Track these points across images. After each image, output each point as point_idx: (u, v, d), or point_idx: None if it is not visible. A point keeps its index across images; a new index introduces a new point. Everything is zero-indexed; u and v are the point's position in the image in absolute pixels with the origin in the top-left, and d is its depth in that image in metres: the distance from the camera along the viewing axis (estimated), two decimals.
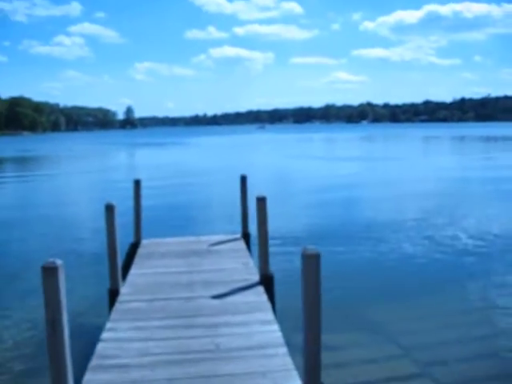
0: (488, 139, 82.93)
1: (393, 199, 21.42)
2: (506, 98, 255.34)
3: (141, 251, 9.51)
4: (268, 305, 6.51)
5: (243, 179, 10.40)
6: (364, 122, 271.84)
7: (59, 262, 4.11)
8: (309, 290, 4.22)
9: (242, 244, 9.84)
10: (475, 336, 7.54)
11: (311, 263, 4.21)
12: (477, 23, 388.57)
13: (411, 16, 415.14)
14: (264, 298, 6.78)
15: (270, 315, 6.12)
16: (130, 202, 10.02)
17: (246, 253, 9.21)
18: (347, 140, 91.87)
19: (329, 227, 15.55)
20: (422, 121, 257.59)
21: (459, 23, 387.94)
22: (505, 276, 10.52)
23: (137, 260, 8.91)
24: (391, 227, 15.24)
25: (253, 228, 10.21)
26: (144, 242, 10.12)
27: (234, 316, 6.09)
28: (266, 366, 4.82)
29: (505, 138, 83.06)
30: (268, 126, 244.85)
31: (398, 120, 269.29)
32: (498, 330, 7.78)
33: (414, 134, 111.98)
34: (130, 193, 10.05)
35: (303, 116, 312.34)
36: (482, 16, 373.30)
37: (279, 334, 5.55)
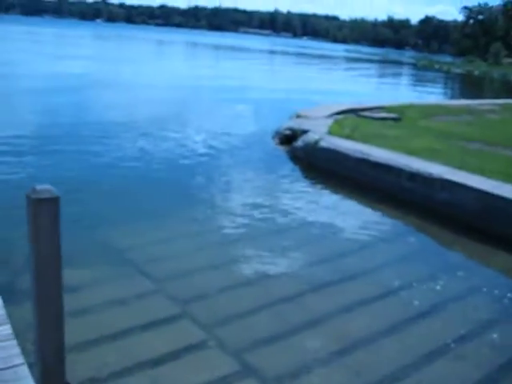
0: (217, 48, 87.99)
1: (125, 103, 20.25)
2: (235, 10, 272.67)
3: None
4: None
5: None
6: (98, 21, 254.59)
7: None
8: (43, 248, 2.92)
9: None
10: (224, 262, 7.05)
11: (45, 211, 2.88)
12: None
13: None
14: None
15: None
16: None
17: None
18: (81, 38, 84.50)
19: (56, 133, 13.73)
20: (158, 25, 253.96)
21: None
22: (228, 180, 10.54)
23: None
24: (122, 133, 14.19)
25: None
26: None
27: None
28: None
29: (226, 48, 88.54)
30: None
31: (133, 21, 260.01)
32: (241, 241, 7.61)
33: (150, 37, 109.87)
34: None
35: (32, 8, 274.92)
36: None
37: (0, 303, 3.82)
